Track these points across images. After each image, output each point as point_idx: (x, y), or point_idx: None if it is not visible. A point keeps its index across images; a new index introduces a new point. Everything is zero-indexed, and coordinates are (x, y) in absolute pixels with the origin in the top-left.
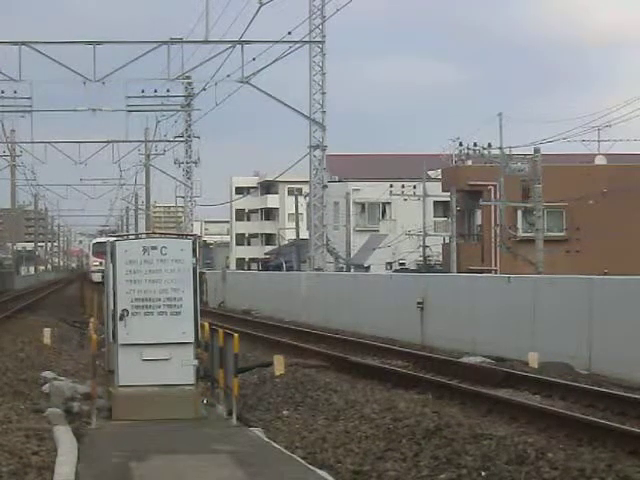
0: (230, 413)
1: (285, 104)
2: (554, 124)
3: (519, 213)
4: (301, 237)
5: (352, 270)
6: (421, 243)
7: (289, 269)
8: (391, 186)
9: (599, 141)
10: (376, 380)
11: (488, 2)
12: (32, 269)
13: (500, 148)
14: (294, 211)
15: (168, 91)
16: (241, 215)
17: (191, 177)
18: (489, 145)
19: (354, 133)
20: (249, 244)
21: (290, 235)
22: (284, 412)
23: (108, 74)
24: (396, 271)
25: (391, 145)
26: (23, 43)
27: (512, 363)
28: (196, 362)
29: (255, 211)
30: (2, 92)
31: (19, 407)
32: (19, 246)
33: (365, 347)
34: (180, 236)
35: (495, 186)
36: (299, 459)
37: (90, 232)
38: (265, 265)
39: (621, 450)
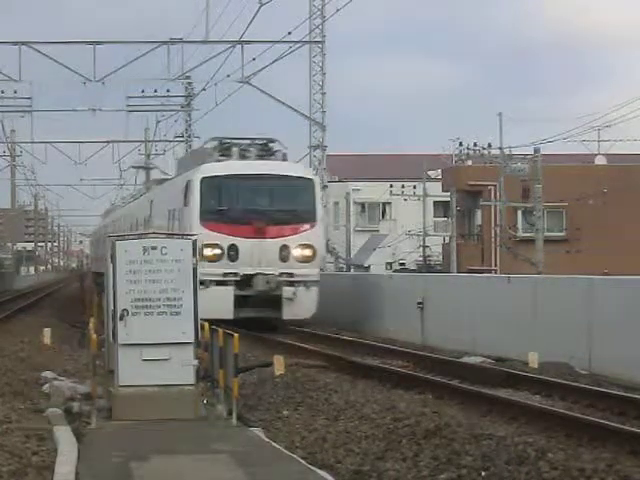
0: (230, 413)
1: (285, 104)
2: (554, 124)
3: (519, 213)
4: None
5: (352, 270)
6: (421, 243)
7: None
8: (391, 186)
9: (599, 141)
10: (376, 380)
11: (488, 2)
12: (32, 269)
13: (500, 148)
14: None
15: (168, 91)
16: None
17: None
18: (489, 145)
19: (354, 133)
20: None
21: None
22: (284, 412)
23: (108, 74)
24: (396, 271)
25: (391, 145)
26: (23, 43)
27: (512, 363)
28: (196, 362)
29: None
30: (2, 92)
31: (19, 407)
32: (19, 246)
33: (365, 347)
34: (180, 236)
35: (495, 186)
36: (299, 459)
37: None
38: None
39: (621, 450)
